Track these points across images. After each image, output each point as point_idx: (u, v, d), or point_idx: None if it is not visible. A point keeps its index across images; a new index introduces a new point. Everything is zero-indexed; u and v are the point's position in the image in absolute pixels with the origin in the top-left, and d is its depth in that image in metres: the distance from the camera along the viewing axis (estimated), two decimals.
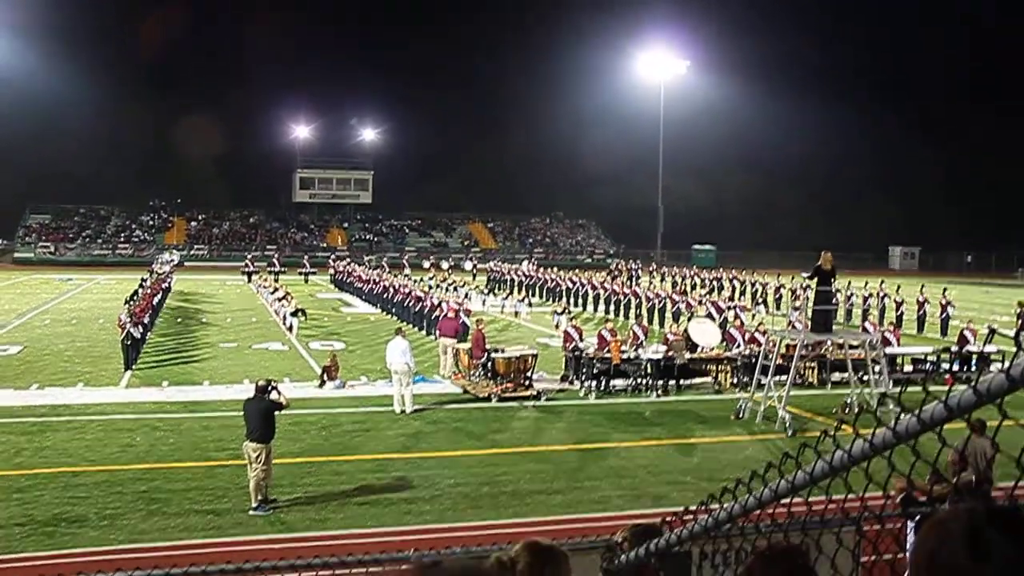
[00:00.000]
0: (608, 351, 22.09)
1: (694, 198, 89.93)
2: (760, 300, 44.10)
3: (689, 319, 28.38)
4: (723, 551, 3.97)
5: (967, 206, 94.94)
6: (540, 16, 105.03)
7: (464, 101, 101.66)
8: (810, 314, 20.37)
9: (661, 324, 34.03)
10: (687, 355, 22.79)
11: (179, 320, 36.52)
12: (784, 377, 19.54)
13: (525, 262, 64.11)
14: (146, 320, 28.61)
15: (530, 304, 41.98)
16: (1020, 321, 33.17)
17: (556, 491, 14.06)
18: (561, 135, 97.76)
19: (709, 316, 30.29)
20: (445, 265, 63.98)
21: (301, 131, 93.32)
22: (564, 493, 13.98)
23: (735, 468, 15.20)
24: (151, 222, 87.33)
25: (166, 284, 44.32)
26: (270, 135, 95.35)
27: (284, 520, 12.54)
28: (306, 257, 65.84)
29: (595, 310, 41.54)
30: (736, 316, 31.18)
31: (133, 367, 24.13)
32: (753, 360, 21.12)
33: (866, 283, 42.23)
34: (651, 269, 61.77)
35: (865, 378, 20.61)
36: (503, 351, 21.99)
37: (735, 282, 50.00)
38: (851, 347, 21.73)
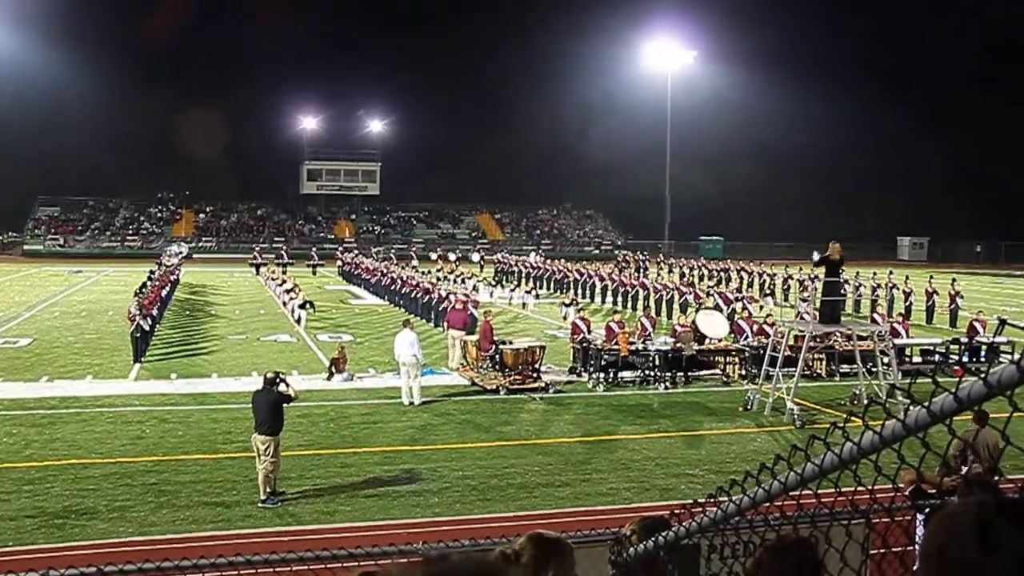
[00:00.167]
0: (616, 343, 22.08)
1: (701, 189, 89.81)
2: (768, 291, 44.02)
3: (697, 310, 28.35)
4: (732, 544, 3.97)
5: (976, 196, 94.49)
6: (547, 7, 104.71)
7: (471, 92, 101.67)
8: (818, 305, 20.31)
9: (669, 316, 33.99)
10: (695, 347, 22.77)
11: (187, 312, 36.60)
12: (792, 369, 19.51)
13: (532, 253, 64.07)
14: (154, 312, 28.67)
15: (537, 296, 41.97)
16: None
17: (564, 483, 14.07)
18: (568, 126, 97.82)
19: (716, 308, 30.26)
20: (452, 257, 63.98)
21: (308, 123, 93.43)
22: (572, 485, 13.98)
23: (743, 460, 15.21)
24: (159, 214, 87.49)
25: (174, 276, 44.40)
26: (278, 127, 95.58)
27: (292, 512, 12.57)
28: (314, 249, 65.93)
29: (603, 302, 41.53)
30: (744, 307, 31.13)
31: (142, 359, 24.19)
32: (761, 351, 21.09)
33: (874, 274, 42.13)
34: (658, 260, 61.72)
35: (874, 369, 20.57)
36: (511, 343, 22.00)
37: (743, 273, 49.93)
38: (860, 338, 21.68)
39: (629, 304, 38.38)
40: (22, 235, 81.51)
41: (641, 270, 54.99)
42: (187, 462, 14.83)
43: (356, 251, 65.43)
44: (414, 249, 70.67)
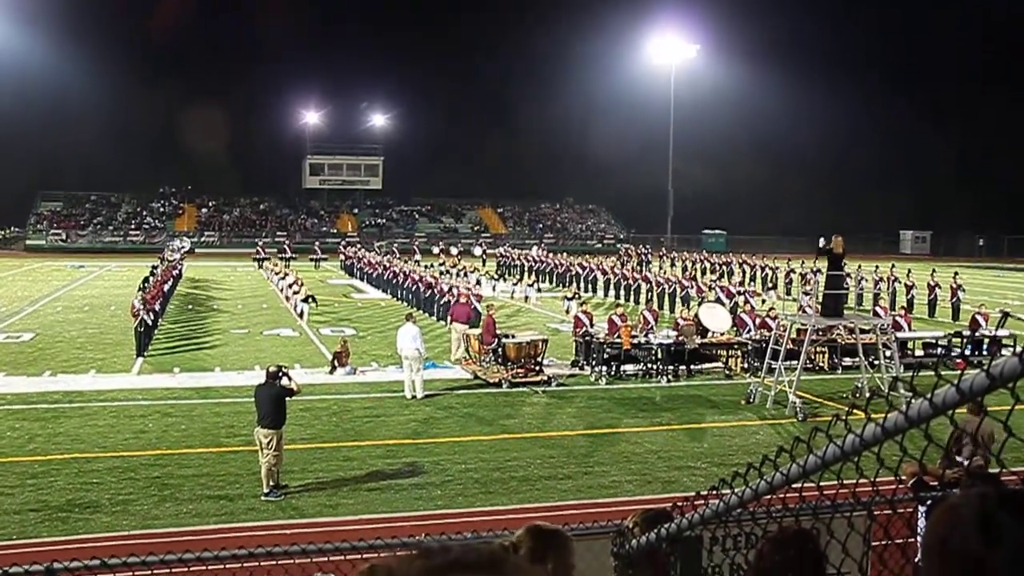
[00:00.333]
0: (618, 336, 22.08)
1: (704, 182, 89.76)
2: (771, 284, 44.03)
3: (700, 304, 28.34)
4: (734, 535, 3.97)
5: (979, 190, 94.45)
6: (549, 3, 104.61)
7: (474, 86, 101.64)
8: (821, 299, 20.30)
9: (671, 309, 34.00)
10: (698, 340, 22.76)
11: (190, 307, 36.63)
12: (795, 362, 19.51)
13: (535, 247, 64.06)
14: (157, 307, 28.70)
15: (539, 289, 41.97)
16: None
17: (566, 476, 14.09)
18: (571, 120, 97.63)
19: (718, 301, 30.25)
20: (454, 251, 63.97)
21: (311, 117, 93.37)
22: (574, 478, 14.00)
23: (745, 453, 15.23)
24: (162, 209, 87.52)
25: (177, 271, 44.43)
26: (280, 121, 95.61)
27: (295, 506, 12.60)
28: (317, 243, 66.00)
29: (605, 295, 41.52)
30: (747, 301, 31.14)
31: (145, 354, 24.21)
32: (764, 345, 21.08)
33: (876, 267, 42.11)
34: (661, 254, 61.67)
35: (876, 363, 20.56)
36: (514, 336, 22.00)
37: (745, 267, 49.91)
38: (862, 331, 21.67)
39: (631, 298, 38.37)
40: (25, 230, 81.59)
41: (644, 264, 54.99)
42: (190, 456, 14.86)
43: (359, 245, 65.45)
44: (417, 243, 70.64)
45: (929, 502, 5.52)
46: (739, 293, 33.19)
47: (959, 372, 1.89)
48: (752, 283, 44.60)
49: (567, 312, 32.58)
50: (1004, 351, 23.27)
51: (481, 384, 21.03)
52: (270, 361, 17.76)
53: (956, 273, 38.17)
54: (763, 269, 47.99)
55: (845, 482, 2.52)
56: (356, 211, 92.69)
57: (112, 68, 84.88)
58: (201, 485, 13.32)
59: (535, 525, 3.38)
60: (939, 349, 24.70)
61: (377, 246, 66.36)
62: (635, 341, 22.18)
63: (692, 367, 22.64)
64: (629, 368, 22.27)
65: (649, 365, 22.20)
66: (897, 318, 25.28)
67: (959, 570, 1.49)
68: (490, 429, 17.07)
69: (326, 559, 4.25)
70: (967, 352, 24.57)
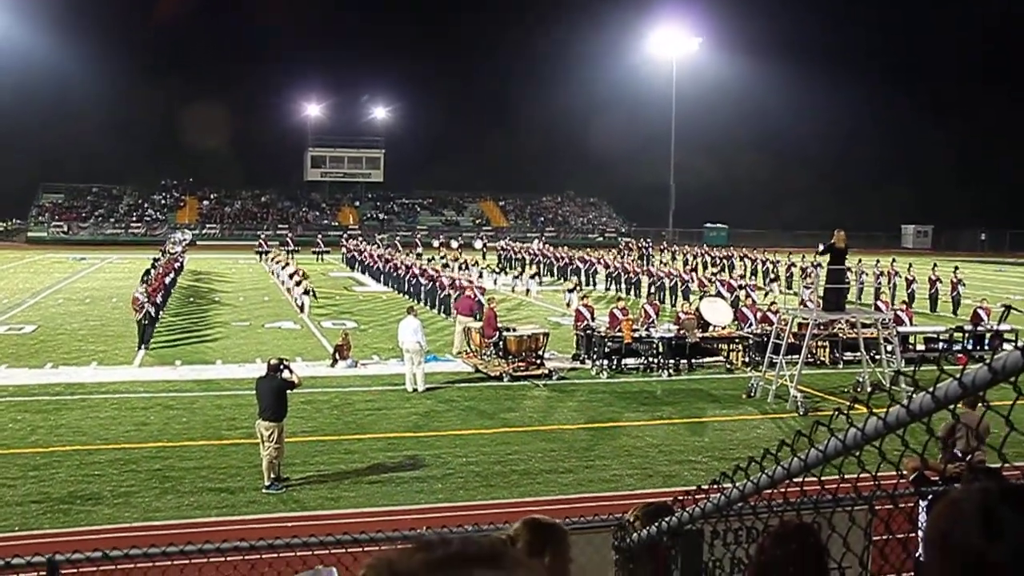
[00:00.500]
0: (620, 330, 22.08)
1: (706, 176, 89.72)
2: (773, 276, 44.08)
3: (701, 298, 28.34)
4: (735, 529, 3.97)
5: (980, 186, 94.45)
6: None
7: (476, 78, 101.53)
8: (822, 293, 20.29)
9: (673, 303, 34.01)
10: (699, 334, 22.76)
11: (191, 299, 36.64)
12: (796, 356, 19.50)
13: (536, 240, 64.04)
14: (158, 300, 28.70)
15: (540, 282, 41.95)
16: None
17: (567, 470, 14.10)
18: (573, 113, 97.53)
19: (718, 295, 30.26)
20: (455, 244, 63.98)
21: (312, 110, 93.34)
22: (575, 472, 14.01)
23: (746, 447, 15.23)
24: (163, 201, 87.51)
25: (178, 263, 44.44)
26: (282, 114, 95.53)
27: (297, 498, 12.61)
28: (319, 236, 66.05)
29: (606, 289, 41.52)
30: (748, 295, 31.13)
31: (149, 346, 24.21)
32: (765, 339, 21.08)
33: (877, 261, 42.11)
34: (662, 248, 61.66)
35: (877, 357, 20.56)
36: (515, 330, 22.00)
37: (746, 260, 49.91)
38: (863, 326, 21.66)
39: (632, 291, 38.38)
40: (26, 222, 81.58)
41: (645, 257, 54.99)
42: (191, 448, 14.87)
43: (360, 238, 65.46)
44: (418, 236, 70.64)
45: (930, 497, 5.52)
46: (740, 287, 33.19)
47: (961, 367, 1.89)
48: (753, 277, 44.61)
49: (568, 305, 32.59)
50: (1006, 345, 23.27)
51: (482, 377, 21.03)
52: (271, 354, 17.80)
53: (956, 268, 38.17)
54: (764, 263, 48.01)
55: (846, 476, 2.52)
56: (357, 204, 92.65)
57: (114, 60, 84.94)
58: (202, 477, 13.34)
59: (532, 518, 3.38)
60: (940, 344, 24.69)
61: (379, 239, 66.40)
62: (636, 335, 22.18)
63: (693, 361, 22.64)
64: (630, 362, 22.27)
65: (650, 359, 22.20)
66: (898, 312, 25.27)
67: (960, 564, 1.49)
68: (491, 422, 17.08)
69: (327, 551, 4.25)
70: (969, 346, 24.56)
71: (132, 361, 22.68)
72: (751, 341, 22.93)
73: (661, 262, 50.73)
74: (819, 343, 23.05)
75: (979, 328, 25.22)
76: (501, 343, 21.34)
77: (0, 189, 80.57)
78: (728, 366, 22.75)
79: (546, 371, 21.09)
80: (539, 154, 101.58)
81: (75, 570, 4.24)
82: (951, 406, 1.91)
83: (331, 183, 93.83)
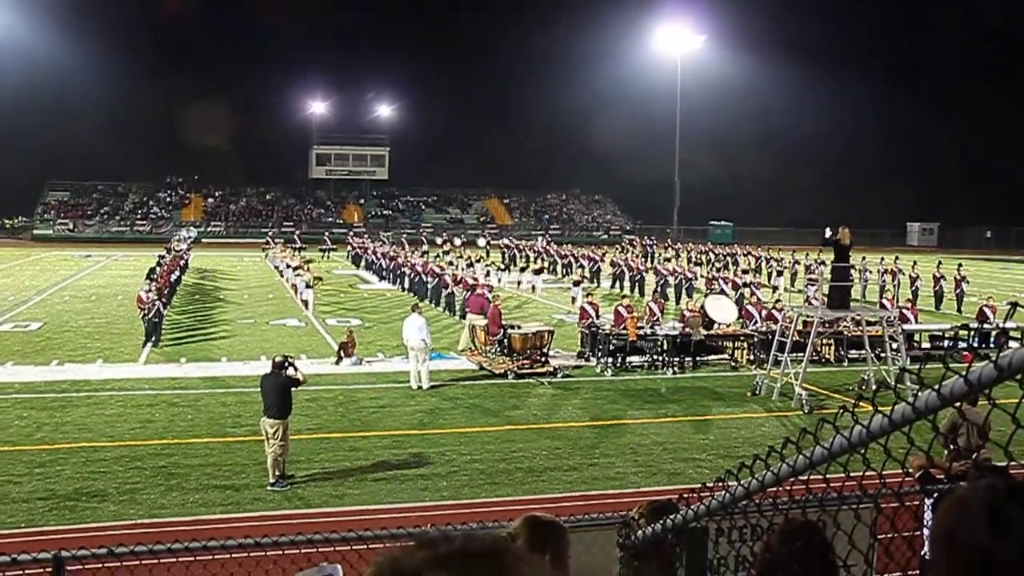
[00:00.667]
0: (624, 327, 22.08)
1: (710, 173, 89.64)
2: (778, 271, 44.05)
3: (706, 295, 28.33)
4: (740, 527, 3.97)
5: (985, 183, 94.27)
6: None
7: (480, 76, 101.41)
8: (827, 291, 20.26)
9: (677, 300, 33.99)
10: (703, 332, 22.75)
11: (197, 297, 36.69)
12: (801, 354, 19.48)
13: (539, 238, 63.99)
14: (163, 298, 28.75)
15: (551, 270, 41.87)
16: None
17: (572, 467, 14.10)
18: (577, 110, 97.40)
19: (720, 292, 30.23)
20: (457, 241, 63.97)
21: (317, 107, 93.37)
22: (580, 470, 14.01)
23: (751, 445, 15.21)
24: (168, 199, 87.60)
25: (183, 261, 44.50)
26: (286, 111, 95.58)
27: (301, 496, 12.62)
28: (326, 234, 66.16)
29: (611, 287, 41.50)
30: (752, 293, 31.10)
31: (154, 343, 24.24)
32: (770, 337, 21.06)
33: (881, 259, 42.03)
34: (666, 245, 61.64)
35: (882, 355, 20.52)
36: (519, 327, 22.00)
37: (750, 257, 49.87)
38: (868, 324, 21.62)
39: (637, 289, 38.37)
40: (32, 220, 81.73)
41: (649, 255, 54.95)
42: (196, 445, 14.90)
43: (366, 235, 65.50)
44: (424, 234, 70.64)
45: (936, 495, 5.51)
46: (744, 285, 33.16)
47: (967, 365, 1.88)
48: (757, 275, 44.58)
49: (573, 300, 32.59)
50: (1012, 343, 23.22)
51: (487, 375, 21.04)
52: (276, 351, 17.83)
53: (960, 265, 38.10)
54: (768, 260, 47.97)
55: (852, 474, 2.51)
56: (362, 201, 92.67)
57: (118, 58, 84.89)
58: (207, 475, 13.36)
59: (532, 516, 3.38)
60: (946, 341, 24.64)
61: (384, 236, 66.43)
62: (641, 332, 22.16)
63: (698, 359, 22.62)
64: (635, 359, 22.26)
65: (655, 357, 22.19)
66: (904, 310, 25.24)
67: (967, 561, 1.49)
68: (496, 420, 17.09)
69: (332, 549, 4.26)
70: (975, 344, 24.50)
71: (137, 358, 22.73)
72: (756, 339, 22.90)
73: (664, 259, 50.65)
74: (824, 341, 23.02)
75: (985, 326, 25.18)
76: (505, 341, 21.34)
77: (6, 187, 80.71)
78: (733, 364, 22.72)
79: (550, 369, 21.08)
80: (544, 151, 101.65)
81: (81, 567, 4.25)
82: (957, 404, 1.90)
83: (336, 181, 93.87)
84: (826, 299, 19.96)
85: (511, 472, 13.79)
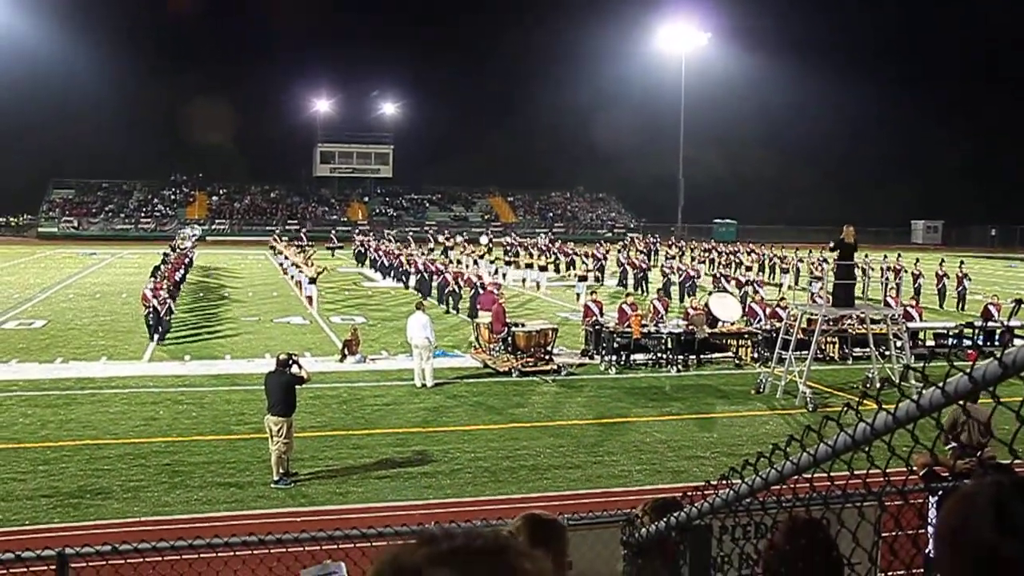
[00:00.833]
0: (628, 325, 22.06)
1: (715, 171, 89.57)
2: (783, 269, 43.99)
3: (710, 293, 28.30)
4: (743, 525, 3.96)
5: (988, 182, 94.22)
6: None
7: (484, 74, 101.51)
8: (832, 288, 20.23)
9: (681, 299, 33.96)
10: (707, 329, 22.72)
11: (201, 295, 36.72)
12: (805, 352, 19.46)
13: (542, 236, 63.95)
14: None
15: (556, 268, 41.82)
16: None
17: (576, 465, 14.09)
18: (582, 108, 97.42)
19: (723, 290, 30.21)
20: (459, 239, 63.96)
21: (321, 105, 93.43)
22: (584, 467, 14.00)
23: (755, 443, 15.20)
24: (173, 197, 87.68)
25: (188, 259, 44.55)
26: (291, 110, 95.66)
27: (305, 493, 12.63)
28: (333, 232, 66.28)
29: (616, 284, 41.47)
30: (756, 291, 31.05)
31: (159, 341, 24.26)
32: (774, 335, 21.04)
33: (884, 256, 41.99)
34: (669, 243, 61.60)
35: (887, 353, 20.49)
36: (523, 325, 21.98)
37: (754, 255, 49.81)
38: (873, 322, 21.59)
39: (641, 287, 38.34)
40: (37, 217, 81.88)
41: (652, 253, 54.92)
42: (200, 443, 14.92)
43: (371, 233, 65.54)
44: (430, 232, 70.65)
45: (940, 492, 5.50)
46: (748, 282, 33.13)
47: (971, 363, 1.88)
48: (761, 273, 44.55)
49: (577, 297, 32.57)
50: (1017, 340, 23.17)
51: (491, 373, 21.03)
52: (280, 349, 17.79)
53: (962, 262, 38.04)
54: (771, 258, 47.90)
55: (856, 471, 2.51)
56: (367, 199, 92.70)
57: (123, 57, 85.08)
58: (211, 472, 13.38)
59: (532, 514, 3.38)
60: (950, 339, 24.59)
61: (388, 235, 66.45)
62: (645, 330, 22.15)
63: (702, 357, 22.60)
64: (639, 357, 22.25)
65: (659, 354, 22.16)
66: (908, 308, 25.20)
67: (972, 559, 1.48)
68: (500, 418, 17.09)
69: (336, 546, 4.26)
70: (979, 342, 24.45)
71: (142, 356, 22.76)
72: (760, 337, 22.87)
73: (667, 257, 50.63)
74: (828, 339, 22.99)
75: (989, 324, 25.12)
76: (510, 338, 21.34)
77: (11, 185, 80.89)
78: (737, 362, 22.71)
79: (555, 367, 21.08)
80: (548, 150, 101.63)
81: (85, 564, 4.25)
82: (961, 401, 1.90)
83: (340, 179, 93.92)
84: (831, 297, 19.92)
85: (515, 470, 13.79)
